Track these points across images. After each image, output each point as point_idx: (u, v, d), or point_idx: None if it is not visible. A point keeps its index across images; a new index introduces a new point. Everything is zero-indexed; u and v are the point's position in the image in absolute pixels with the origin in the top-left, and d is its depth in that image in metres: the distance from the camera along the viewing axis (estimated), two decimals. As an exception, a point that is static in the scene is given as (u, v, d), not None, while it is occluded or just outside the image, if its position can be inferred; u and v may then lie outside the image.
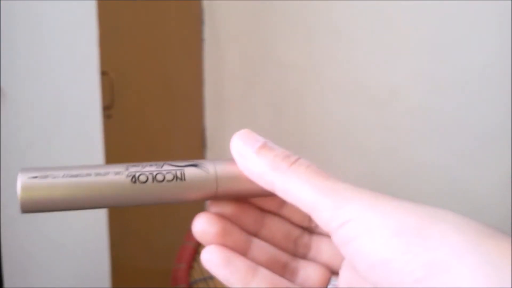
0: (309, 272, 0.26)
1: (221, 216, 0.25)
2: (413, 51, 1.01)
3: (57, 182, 0.21)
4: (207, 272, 0.93)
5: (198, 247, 0.89)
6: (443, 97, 0.98)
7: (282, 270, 0.26)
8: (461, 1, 0.93)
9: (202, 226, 0.25)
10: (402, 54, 1.03)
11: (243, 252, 0.25)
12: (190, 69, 1.46)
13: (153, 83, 1.38)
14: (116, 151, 1.02)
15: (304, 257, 0.27)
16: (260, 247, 0.26)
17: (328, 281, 0.26)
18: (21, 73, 0.76)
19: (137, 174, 0.22)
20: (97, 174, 0.22)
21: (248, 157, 0.24)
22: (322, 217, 0.22)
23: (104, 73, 0.91)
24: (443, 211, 0.21)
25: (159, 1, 1.34)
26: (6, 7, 0.72)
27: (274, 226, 0.26)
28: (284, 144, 0.25)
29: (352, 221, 0.21)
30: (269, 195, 0.24)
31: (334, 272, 0.26)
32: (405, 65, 1.03)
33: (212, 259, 0.24)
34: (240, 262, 0.25)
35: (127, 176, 0.22)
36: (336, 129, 1.16)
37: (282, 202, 0.26)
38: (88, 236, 0.87)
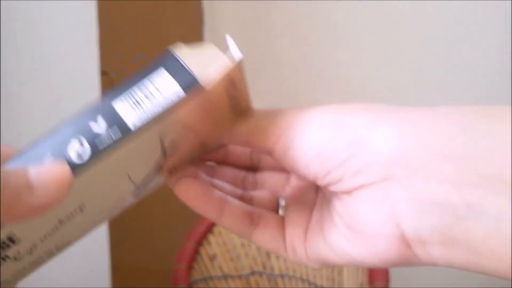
0: (261, 196, 0.30)
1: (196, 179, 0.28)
2: (413, 51, 1.01)
3: None
4: (207, 272, 0.93)
5: (198, 247, 0.89)
6: (443, 97, 0.98)
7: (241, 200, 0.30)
8: (461, 1, 0.94)
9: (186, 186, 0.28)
10: (402, 54, 1.03)
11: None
12: (190, 69, 1.46)
13: (153, 83, 1.38)
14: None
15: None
16: (220, 185, 0.30)
17: (277, 202, 0.30)
18: (21, 73, 0.76)
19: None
20: None
21: None
22: (259, 141, 0.25)
23: (104, 73, 0.91)
24: (348, 104, 0.25)
25: (159, 1, 1.34)
26: (6, 7, 0.72)
27: (223, 173, 0.30)
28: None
29: (281, 135, 0.24)
30: (208, 150, 0.29)
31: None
32: (405, 65, 1.03)
33: (189, 191, 0.27)
34: (214, 193, 0.28)
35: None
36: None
37: (226, 152, 0.30)
38: (88, 236, 0.87)
